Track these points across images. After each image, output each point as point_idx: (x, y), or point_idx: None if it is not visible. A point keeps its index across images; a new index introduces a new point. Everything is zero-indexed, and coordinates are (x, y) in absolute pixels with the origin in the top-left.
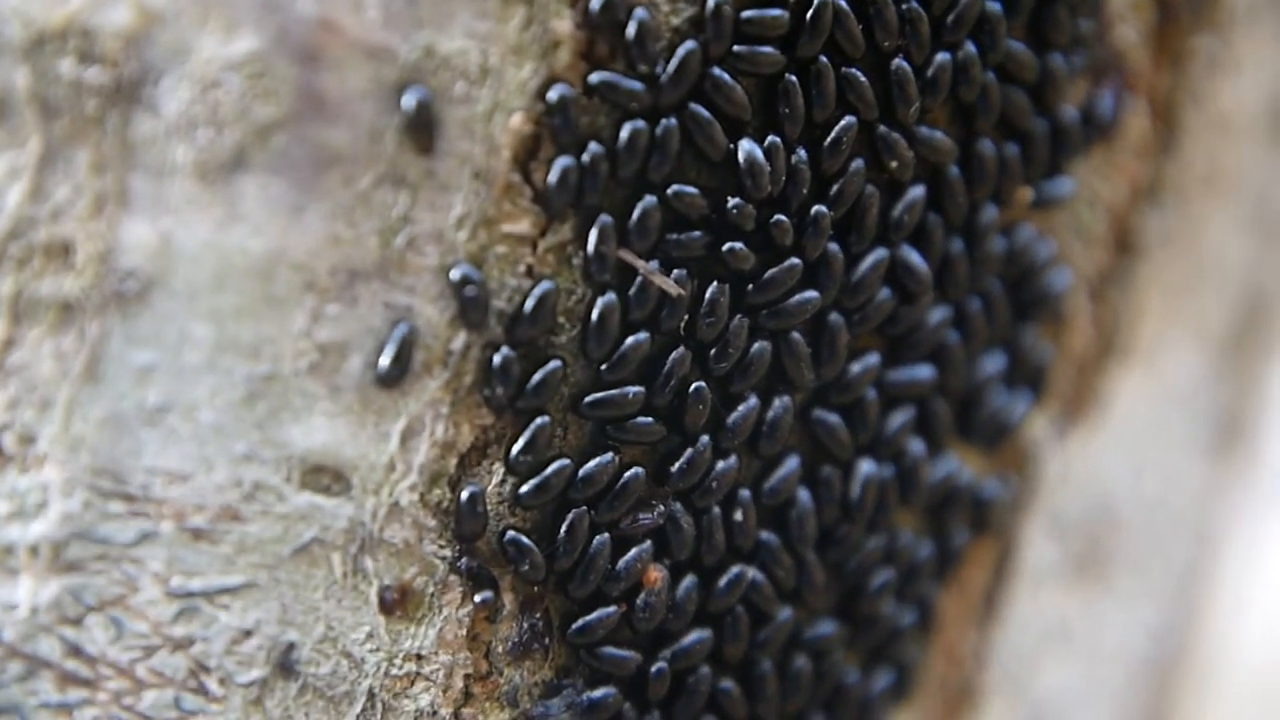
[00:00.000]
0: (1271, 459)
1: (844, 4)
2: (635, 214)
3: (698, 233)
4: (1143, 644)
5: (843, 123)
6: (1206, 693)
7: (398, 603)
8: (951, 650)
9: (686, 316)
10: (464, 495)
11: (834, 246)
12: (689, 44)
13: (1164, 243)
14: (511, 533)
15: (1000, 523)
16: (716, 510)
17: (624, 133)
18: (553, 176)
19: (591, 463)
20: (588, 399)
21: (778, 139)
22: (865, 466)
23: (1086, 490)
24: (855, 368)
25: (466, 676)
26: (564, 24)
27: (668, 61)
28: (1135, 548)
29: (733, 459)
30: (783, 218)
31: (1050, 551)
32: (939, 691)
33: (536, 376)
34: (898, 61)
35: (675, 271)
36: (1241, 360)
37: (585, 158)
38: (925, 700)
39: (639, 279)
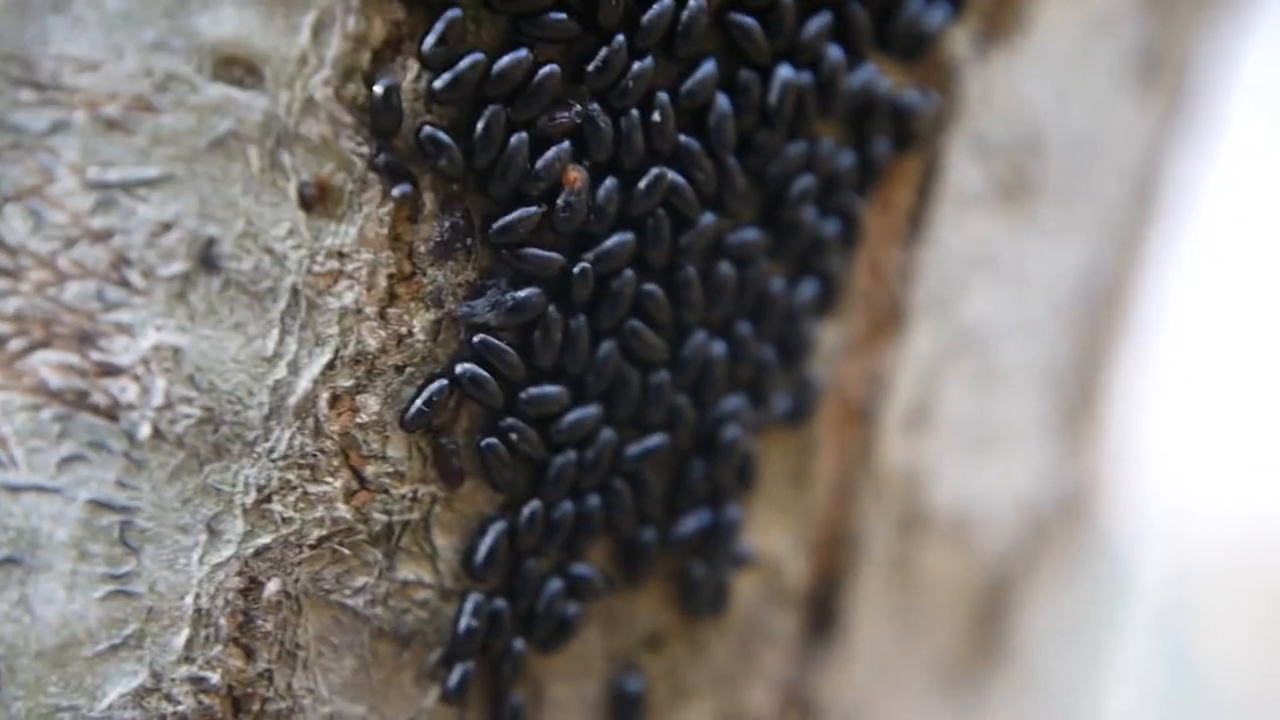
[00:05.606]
0: (1196, 102)
1: None
2: None
3: None
4: (1070, 278)
5: None
6: (1137, 333)
7: (317, 199)
8: (877, 267)
9: None
10: (378, 89)
11: None
12: None
13: None
14: (428, 128)
15: (922, 136)
16: (635, 112)
17: None
18: None
19: (505, 58)
20: None
21: None
22: (783, 71)
23: (1010, 116)
24: None
25: (390, 276)
26: None
27: None
28: (1061, 178)
29: (649, 60)
30: None
31: (975, 175)
32: (865, 309)
33: None
34: None
35: None
36: None
37: None
38: (852, 316)
39: None
